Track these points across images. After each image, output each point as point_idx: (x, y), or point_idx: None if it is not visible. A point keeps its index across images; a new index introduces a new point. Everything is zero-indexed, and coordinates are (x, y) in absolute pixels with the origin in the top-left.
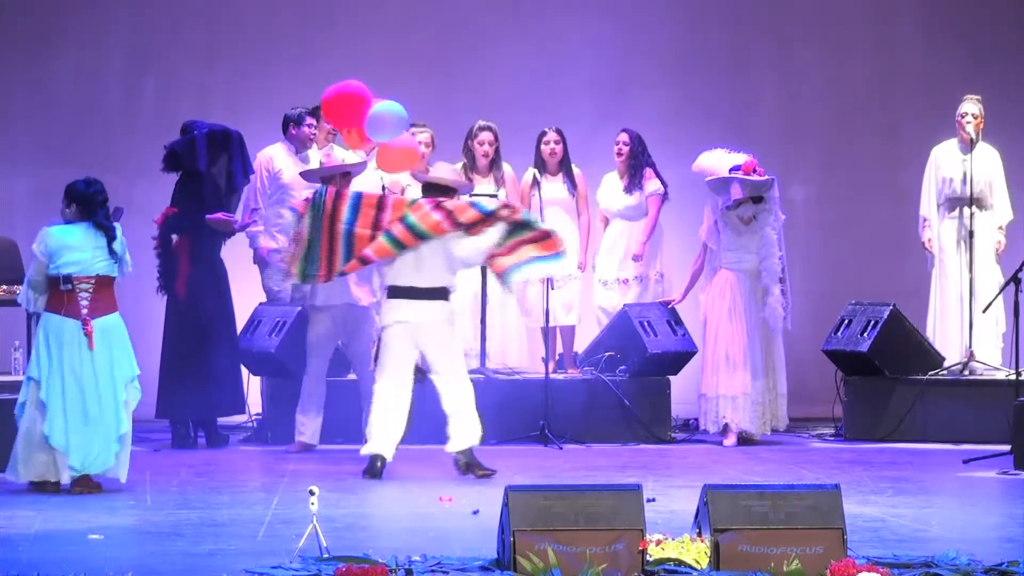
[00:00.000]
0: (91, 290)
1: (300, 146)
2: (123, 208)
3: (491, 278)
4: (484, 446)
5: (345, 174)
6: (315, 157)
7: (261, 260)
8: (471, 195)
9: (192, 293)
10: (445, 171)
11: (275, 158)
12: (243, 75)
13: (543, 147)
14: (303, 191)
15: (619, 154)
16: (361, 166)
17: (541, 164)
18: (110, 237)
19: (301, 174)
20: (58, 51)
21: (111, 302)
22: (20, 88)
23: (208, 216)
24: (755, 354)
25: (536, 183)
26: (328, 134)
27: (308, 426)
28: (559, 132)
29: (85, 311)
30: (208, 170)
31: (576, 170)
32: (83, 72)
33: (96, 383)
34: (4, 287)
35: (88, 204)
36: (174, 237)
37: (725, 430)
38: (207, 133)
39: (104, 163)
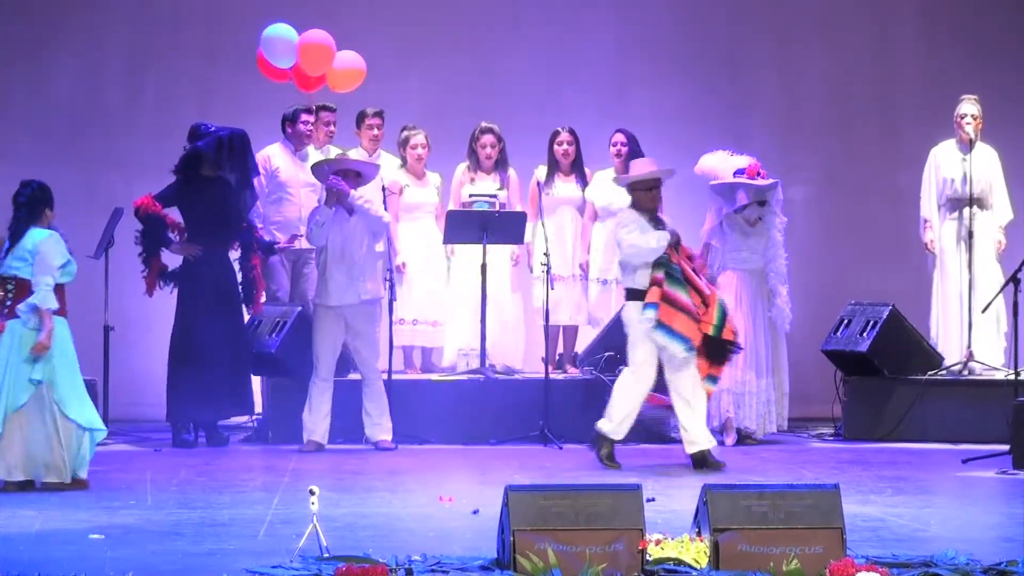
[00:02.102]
0: (13, 291)
1: (298, 144)
2: (123, 208)
3: (489, 278)
4: (485, 445)
5: (356, 174)
6: (313, 155)
7: (271, 245)
8: (471, 196)
9: (199, 303)
10: (644, 167)
11: (272, 157)
12: (243, 75)
13: (556, 147)
14: (301, 189)
15: (618, 155)
16: (374, 169)
17: (554, 164)
18: (12, 240)
19: (312, 167)
20: (58, 51)
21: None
22: (19, 88)
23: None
24: (760, 352)
25: (539, 184)
26: (327, 134)
27: (319, 426)
28: (572, 132)
29: (4, 309)
30: (227, 172)
31: (588, 171)
32: (83, 72)
33: None
34: None
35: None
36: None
37: (726, 426)
38: (229, 135)
39: (104, 163)
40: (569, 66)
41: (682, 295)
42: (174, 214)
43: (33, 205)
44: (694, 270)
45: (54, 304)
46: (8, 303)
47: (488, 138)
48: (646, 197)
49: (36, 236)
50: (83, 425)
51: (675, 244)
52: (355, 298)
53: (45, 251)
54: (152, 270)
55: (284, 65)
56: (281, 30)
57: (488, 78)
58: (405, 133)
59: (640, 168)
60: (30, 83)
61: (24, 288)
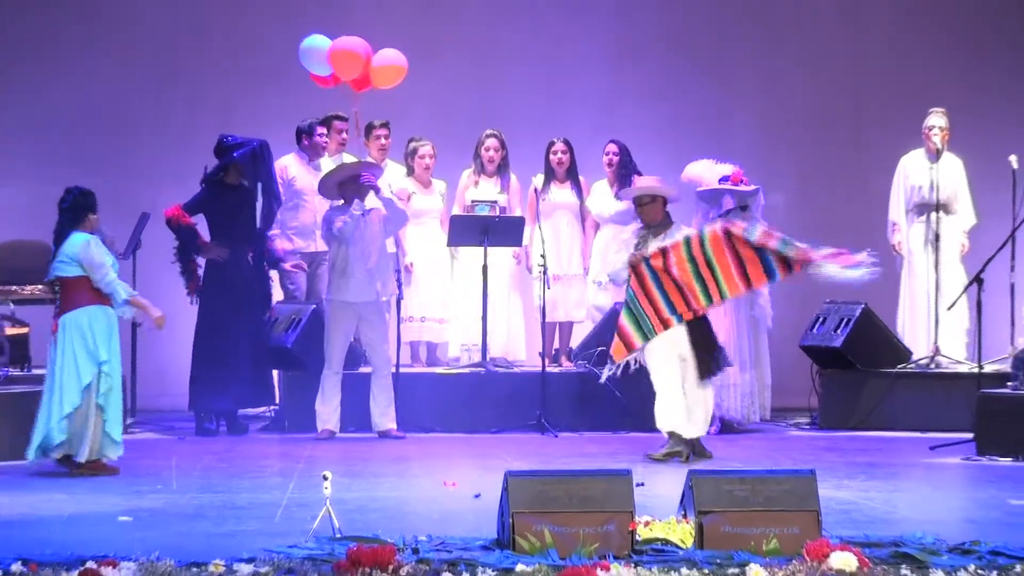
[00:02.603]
0: (60, 291)
1: (313, 154)
2: (149, 213)
3: (490, 278)
4: (486, 434)
5: (358, 180)
6: (327, 165)
7: (278, 260)
8: (473, 201)
9: (222, 301)
10: (644, 182)
11: (289, 167)
12: (261, 88)
13: (551, 156)
14: (316, 196)
15: (609, 164)
16: (378, 169)
17: (550, 172)
18: (55, 244)
19: (319, 183)
20: (92, 69)
21: (78, 299)
22: (57, 103)
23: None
24: (743, 348)
25: (536, 191)
26: (339, 142)
27: (332, 415)
28: (566, 142)
29: (56, 308)
30: (255, 180)
31: (582, 179)
32: (113, 87)
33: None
34: (40, 287)
35: None
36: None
37: (711, 417)
38: (260, 146)
39: (131, 171)
40: (566, 82)
41: (627, 322)
42: (199, 222)
43: (76, 210)
44: (671, 278)
45: (126, 289)
46: (57, 303)
47: (492, 142)
48: (642, 211)
49: (75, 240)
50: (110, 435)
51: (642, 262)
52: (373, 295)
53: (88, 257)
54: (192, 280)
55: (322, 72)
56: (314, 41)
57: (490, 92)
58: (413, 144)
59: (640, 183)
60: (67, 99)
61: (69, 287)
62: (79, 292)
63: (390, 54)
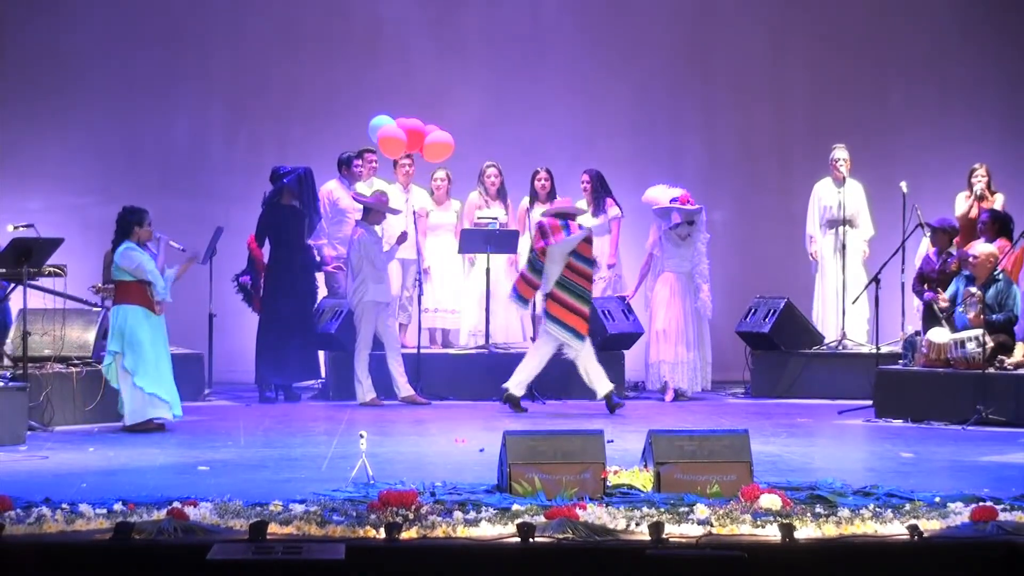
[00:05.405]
0: (113, 291)
1: (352, 180)
2: (223, 228)
3: (492, 276)
4: (488, 401)
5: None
6: (361, 188)
7: (322, 265)
8: (480, 218)
9: (279, 296)
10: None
11: (333, 191)
12: (311, 126)
13: (536, 182)
14: (355, 215)
15: (585, 189)
16: (396, 212)
17: (534, 194)
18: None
19: (354, 196)
20: (174, 110)
21: (124, 298)
22: (146, 137)
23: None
24: (689, 333)
25: (526, 209)
26: (370, 171)
27: (368, 387)
28: (548, 171)
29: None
30: (301, 200)
31: (559, 199)
32: (193, 125)
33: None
34: None
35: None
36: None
37: (664, 388)
38: (305, 172)
39: (207, 194)
40: (551, 125)
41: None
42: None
43: (123, 225)
44: None
45: (162, 280)
46: (111, 300)
47: (491, 171)
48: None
49: (118, 251)
50: (143, 388)
51: None
52: (384, 297)
53: (126, 266)
54: (252, 303)
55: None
56: (378, 120)
57: (490, 135)
58: (432, 171)
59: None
60: (151, 132)
61: (119, 288)
62: (125, 292)
63: (441, 135)
